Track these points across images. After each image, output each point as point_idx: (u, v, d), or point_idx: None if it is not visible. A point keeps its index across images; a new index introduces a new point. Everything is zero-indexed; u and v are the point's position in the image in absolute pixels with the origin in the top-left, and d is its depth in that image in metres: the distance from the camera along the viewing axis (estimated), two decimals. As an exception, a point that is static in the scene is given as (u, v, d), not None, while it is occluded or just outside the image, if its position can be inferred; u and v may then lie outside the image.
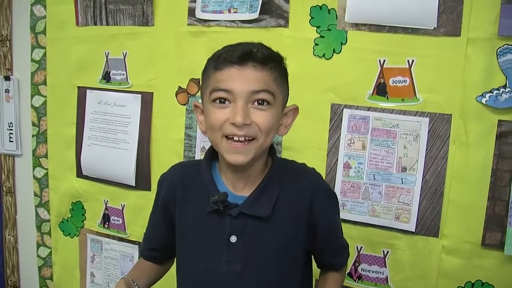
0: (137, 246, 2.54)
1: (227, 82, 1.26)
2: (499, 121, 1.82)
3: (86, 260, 2.74)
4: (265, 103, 1.28)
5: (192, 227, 1.43)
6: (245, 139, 1.28)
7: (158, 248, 1.58)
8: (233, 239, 1.36)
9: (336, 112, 2.03)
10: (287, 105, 1.43)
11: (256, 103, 1.27)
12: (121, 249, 2.61)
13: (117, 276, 2.63)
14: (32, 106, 2.74)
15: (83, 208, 2.69)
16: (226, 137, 1.29)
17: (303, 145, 2.05)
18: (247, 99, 1.26)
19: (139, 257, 2.39)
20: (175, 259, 1.55)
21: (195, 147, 2.28)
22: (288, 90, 1.40)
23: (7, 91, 2.80)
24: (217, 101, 1.28)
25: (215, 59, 1.31)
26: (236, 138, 1.28)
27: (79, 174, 2.64)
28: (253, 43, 1.32)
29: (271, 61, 1.29)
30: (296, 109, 1.43)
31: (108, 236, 2.65)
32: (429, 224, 1.95)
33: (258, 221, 1.36)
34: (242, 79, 1.25)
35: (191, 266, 1.45)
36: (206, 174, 1.41)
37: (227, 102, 1.27)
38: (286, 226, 1.38)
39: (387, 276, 2.06)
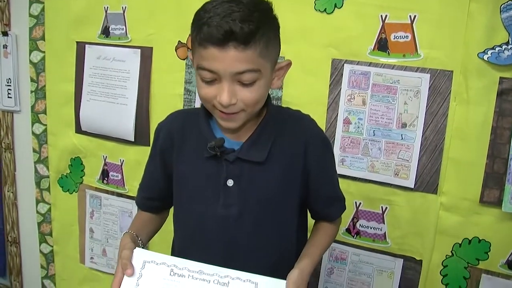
0: (136, 202, 2.58)
1: (210, 63, 1.25)
2: (501, 78, 1.83)
3: (85, 216, 2.77)
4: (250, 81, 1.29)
5: (189, 173, 1.45)
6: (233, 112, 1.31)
7: (154, 196, 1.60)
8: (230, 183, 1.39)
9: (336, 68, 2.04)
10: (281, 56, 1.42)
11: (242, 81, 1.28)
12: (120, 204, 2.65)
13: (116, 231, 2.67)
14: (30, 61, 2.75)
15: (82, 164, 2.72)
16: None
17: (303, 100, 2.07)
18: (231, 79, 1.25)
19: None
20: (173, 207, 1.57)
21: (194, 102, 2.29)
22: (279, 45, 1.37)
23: (5, 46, 2.80)
24: (204, 78, 1.29)
25: (198, 30, 1.27)
26: (225, 111, 1.30)
27: (78, 130, 2.66)
28: (232, 11, 1.22)
29: (254, 36, 1.23)
30: (288, 64, 1.42)
31: (107, 191, 2.68)
32: (428, 180, 1.97)
33: (254, 165, 1.38)
34: (225, 61, 1.23)
35: (188, 211, 1.48)
36: (203, 121, 1.43)
37: (213, 80, 1.28)
38: (282, 170, 1.41)
39: (385, 232, 2.09)
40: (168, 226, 1.63)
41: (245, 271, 1.32)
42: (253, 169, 1.39)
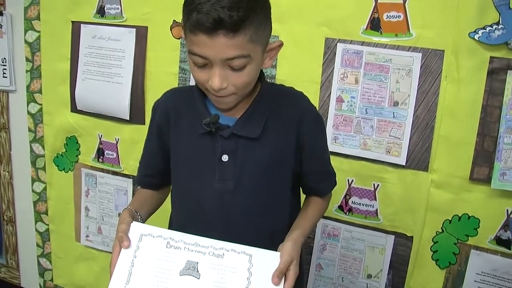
0: (131, 179, 2.62)
1: (201, 49, 1.27)
2: (491, 57, 1.86)
3: (80, 194, 2.81)
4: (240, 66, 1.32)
5: (186, 149, 1.49)
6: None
7: (154, 174, 1.64)
8: (225, 158, 1.43)
9: (330, 47, 2.08)
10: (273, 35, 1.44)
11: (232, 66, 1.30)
12: (115, 183, 2.68)
13: (111, 210, 2.71)
14: (25, 41, 2.76)
15: (77, 142, 2.75)
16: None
17: (297, 79, 2.10)
18: (221, 64, 1.28)
19: (133, 192, 2.48)
20: (171, 184, 1.61)
21: (189, 80, 2.32)
22: (271, 26, 1.38)
23: (0, 26, 2.81)
24: (195, 62, 1.32)
25: (188, 16, 1.28)
26: (217, 94, 1.34)
27: (74, 109, 2.69)
28: None
29: (244, 23, 1.24)
30: (280, 45, 1.44)
31: (102, 170, 2.71)
32: (419, 158, 2.02)
33: (248, 141, 1.42)
34: (214, 48, 1.25)
35: (185, 187, 1.53)
36: (198, 99, 1.46)
37: (204, 64, 1.30)
38: (275, 146, 1.45)
39: (377, 209, 2.14)
40: (164, 204, 1.67)
41: (240, 243, 1.36)
42: (247, 145, 1.43)
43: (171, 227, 1.62)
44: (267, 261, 1.35)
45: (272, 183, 1.48)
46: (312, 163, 1.53)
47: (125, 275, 1.29)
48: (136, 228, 1.37)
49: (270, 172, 1.46)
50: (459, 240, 2.03)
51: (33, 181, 2.95)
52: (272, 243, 1.39)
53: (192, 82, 2.18)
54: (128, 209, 1.48)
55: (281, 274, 1.31)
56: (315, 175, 1.57)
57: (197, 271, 1.31)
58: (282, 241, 1.40)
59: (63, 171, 2.82)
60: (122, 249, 1.33)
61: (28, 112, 2.85)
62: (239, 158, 1.43)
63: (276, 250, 1.37)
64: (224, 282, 1.31)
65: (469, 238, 2.01)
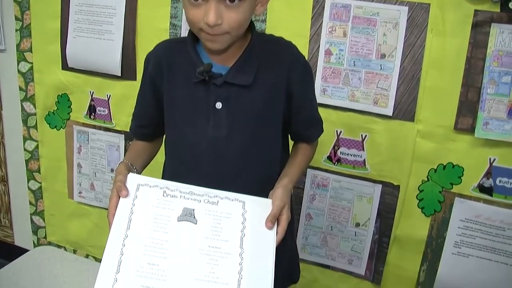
0: (123, 135, 2.67)
1: None
2: (475, 10, 1.92)
3: (72, 151, 2.86)
4: (236, 0, 1.36)
5: (179, 98, 1.55)
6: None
7: (147, 124, 1.69)
8: (218, 105, 1.49)
9: (318, 1, 2.13)
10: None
11: (227, 1, 1.35)
12: (107, 139, 2.74)
13: (104, 166, 2.77)
14: (14, 0, 2.77)
15: (69, 100, 2.78)
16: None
17: (286, 32, 2.08)
18: None
19: (125, 147, 2.52)
20: (165, 135, 1.67)
21: (180, 36, 2.36)
22: None
23: (-13, -15, 2.81)
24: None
25: None
26: (211, 32, 1.39)
27: (65, 66, 2.72)
28: None
29: None
30: None
31: (94, 127, 2.76)
32: (405, 109, 2.09)
33: (240, 89, 1.48)
34: None
35: (180, 135, 1.58)
36: (191, 48, 1.51)
37: (200, 0, 1.35)
38: (266, 93, 1.51)
39: (364, 159, 2.22)
40: (157, 157, 1.74)
41: (233, 190, 1.44)
42: (240, 92, 1.49)
43: (164, 177, 1.67)
44: (259, 207, 1.43)
45: (263, 130, 1.54)
46: (301, 110, 1.59)
47: (125, 221, 1.36)
48: (133, 179, 1.44)
49: (261, 119, 1.53)
50: (443, 188, 2.11)
51: (24, 139, 2.99)
52: (264, 190, 1.47)
53: (183, 37, 2.23)
54: (124, 162, 1.54)
55: (274, 219, 1.39)
56: (303, 122, 1.63)
57: (194, 217, 1.38)
58: (273, 186, 1.48)
59: (55, 128, 2.87)
60: (121, 198, 1.39)
61: (19, 71, 2.86)
62: (232, 105, 1.49)
63: (268, 197, 1.46)
64: (220, 227, 1.38)
65: (453, 186, 2.10)
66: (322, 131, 1.69)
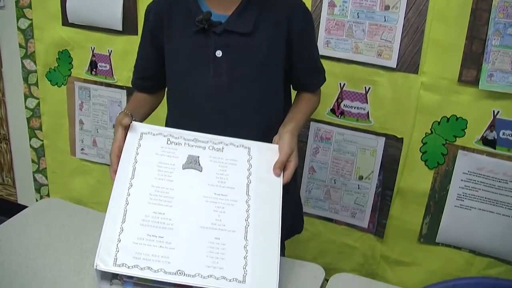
0: (125, 91, 2.68)
1: None
2: (481, -40, 1.91)
3: (74, 108, 2.87)
4: None
5: (180, 48, 1.56)
6: None
7: (148, 77, 1.71)
8: (219, 53, 1.50)
9: (322, -47, 2.12)
10: None
11: None
12: (109, 94, 2.74)
13: (106, 121, 2.78)
14: (12, -45, 2.76)
15: (69, 56, 2.78)
16: None
17: None
18: None
19: (127, 103, 2.52)
20: (167, 86, 1.69)
21: (182, -12, 2.35)
22: None
23: None
24: None
25: None
26: None
27: (65, 22, 2.70)
28: None
29: None
30: None
31: (95, 82, 2.77)
32: (409, 61, 2.09)
33: (240, 37, 1.49)
34: None
35: (181, 85, 1.60)
36: None
37: None
38: (267, 41, 1.52)
39: (368, 112, 2.23)
40: (159, 113, 1.75)
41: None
42: (240, 40, 1.50)
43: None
44: (265, 153, 1.44)
45: (265, 78, 1.56)
46: (302, 57, 1.60)
47: (130, 170, 1.37)
48: (137, 128, 1.45)
49: (262, 66, 1.54)
50: (447, 141, 2.12)
51: (25, 97, 2.99)
52: (266, 138, 1.48)
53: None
54: (123, 112, 1.54)
55: (282, 166, 1.41)
56: (305, 70, 1.64)
57: (199, 164, 1.40)
58: (275, 134, 1.49)
59: (56, 85, 2.87)
60: (124, 147, 1.41)
61: (18, 28, 2.85)
62: (232, 53, 1.51)
63: (271, 143, 1.47)
64: (226, 174, 1.40)
65: (457, 138, 2.11)
66: (324, 80, 1.71)
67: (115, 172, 1.37)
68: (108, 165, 1.42)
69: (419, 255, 2.31)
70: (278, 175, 1.40)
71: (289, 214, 1.57)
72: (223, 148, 1.43)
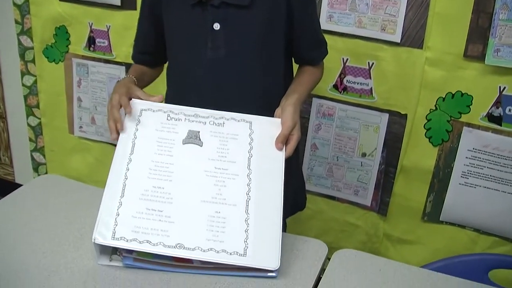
0: (124, 67, 2.67)
1: None
2: None
3: (72, 85, 2.86)
4: None
5: (178, 22, 1.56)
6: None
7: (147, 51, 1.71)
8: (216, 26, 1.50)
9: None
10: None
11: None
12: (107, 71, 2.73)
13: (104, 98, 2.77)
14: None
15: (67, 32, 2.76)
16: None
17: None
18: None
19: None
20: (167, 63, 1.69)
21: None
22: None
23: None
24: None
25: None
26: None
27: (62, -3, 2.70)
28: None
29: None
30: None
31: (94, 59, 2.75)
32: (414, 35, 2.07)
33: (239, 9, 1.49)
34: None
35: (179, 59, 1.61)
36: None
37: None
38: (266, 13, 1.51)
39: (371, 88, 2.22)
40: (159, 86, 1.75)
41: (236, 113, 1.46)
42: (238, 13, 1.49)
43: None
44: (267, 127, 1.44)
45: (264, 52, 1.55)
46: (303, 30, 1.60)
47: (129, 146, 1.38)
48: (136, 105, 1.45)
49: (262, 40, 1.53)
50: (452, 118, 2.11)
51: (22, 74, 2.98)
52: (266, 113, 1.48)
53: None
54: (129, 77, 1.56)
55: (284, 139, 1.41)
56: (306, 43, 1.63)
57: (199, 139, 1.40)
58: (276, 108, 1.49)
59: (53, 62, 2.86)
60: (124, 123, 1.41)
61: (14, 4, 2.82)
62: (230, 26, 1.50)
63: (273, 117, 1.47)
64: (226, 148, 1.40)
65: (462, 115, 2.10)
66: (326, 53, 1.70)
67: (114, 121, 1.39)
68: (108, 143, 1.42)
69: (423, 234, 2.31)
70: (281, 149, 1.40)
71: (291, 191, 1.57)
72: (224, 123, 1.44)
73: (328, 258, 1.40)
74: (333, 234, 2.48)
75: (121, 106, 1.42)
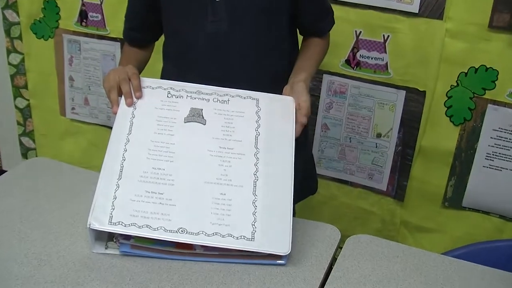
0: (119, 43, 2.65)
1: None
2: None
3: (63, 63, 2.85)
4: None
5: None
6: None
7: (139, 27, 1.70)
8: None
9: None
10: None
11: None
12: (101, 48, 2.71)
13: (98, 77, 2.76)
14: None
15: (57, 6, 2.74)
16: None
17: None
18: None
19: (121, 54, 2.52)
20: (164, 38, 1.68)
21: None
22: None
23: None
24: None
25: None
26: None
27: (51, -33, 2.67)
28: None
29: None
30: None
31: (86, 35, 2.74)
32: (433, 5, 2.05)
33: None
34: None
35: (178, 33, 1.59)
36: None
37: None
38: None
39: (387, 63, 2.20)
40: (155, 64, 1.73)
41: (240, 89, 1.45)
42: None
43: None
44: (275, 104, 1.44)
45: (268, 24, 1.54)
46: (309, 1, 1.58)
47: (126, 126, 1.37)
48: None
49: (265, 11, 1.52)
50: (475, 94, 2.09)
51: (8, 52, 2.97)
52: (271, 89, 1.47)
53: None
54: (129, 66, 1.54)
55: (308, 113, 1.41)
56: (312, 13, 1.62)
57: (202, 117, 1.39)
58: (283, 85, 1.49)
59: (42, 38, 2.84)
60: (121, 102, 1.40)
61: (-3, -26, 2.81)
62: None
63: (280, 94, 1.46)
64: (232, 127, 1.39)
65: (486, 91, 2.08)
66: (333, 22, 1.68)
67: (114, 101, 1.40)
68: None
69: (443, 221, 2.30)
70: (305, 123, 1.40)
71: (300, 174, 1.56)
72: (228, 100, 1.43)
73: (340, 247, 1.39)
74: (345, 221, 2.46)
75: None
